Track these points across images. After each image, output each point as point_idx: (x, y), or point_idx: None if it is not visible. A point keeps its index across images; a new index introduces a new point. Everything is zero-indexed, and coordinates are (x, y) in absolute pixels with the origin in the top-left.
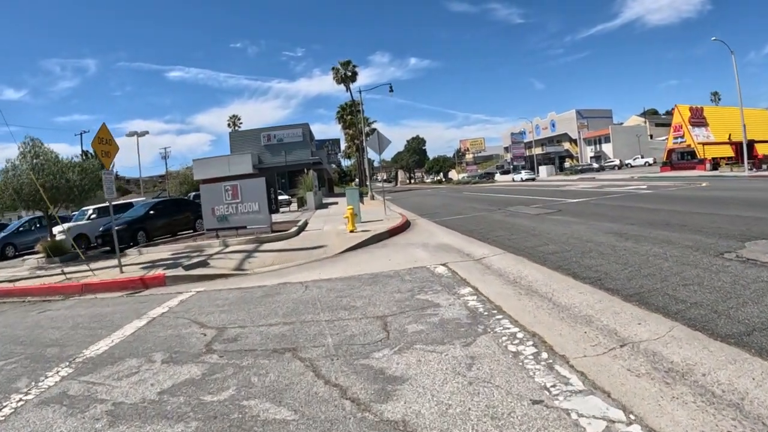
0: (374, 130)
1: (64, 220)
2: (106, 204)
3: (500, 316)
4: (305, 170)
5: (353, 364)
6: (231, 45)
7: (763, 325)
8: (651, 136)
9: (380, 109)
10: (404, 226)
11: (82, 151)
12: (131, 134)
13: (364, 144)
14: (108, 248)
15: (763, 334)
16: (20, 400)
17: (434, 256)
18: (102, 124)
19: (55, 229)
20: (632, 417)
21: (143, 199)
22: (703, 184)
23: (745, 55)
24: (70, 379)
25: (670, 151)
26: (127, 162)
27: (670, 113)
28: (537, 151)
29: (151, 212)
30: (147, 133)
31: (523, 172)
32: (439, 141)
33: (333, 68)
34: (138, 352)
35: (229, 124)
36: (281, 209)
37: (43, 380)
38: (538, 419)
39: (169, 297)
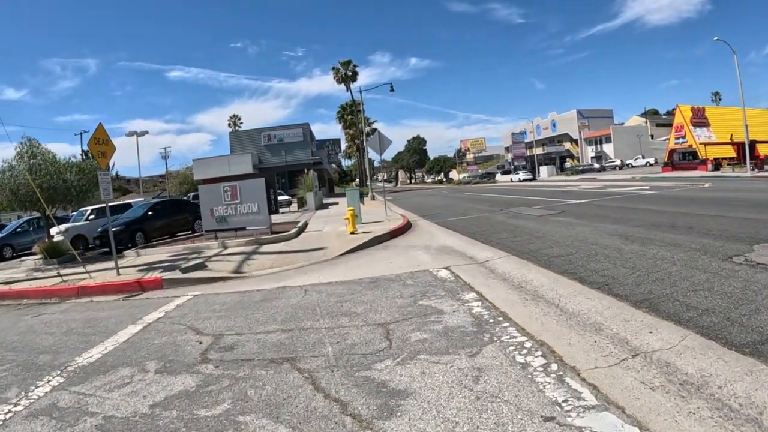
0: (375, 129)
1: (63, 220)
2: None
3: (506, 324)
4: (305, 170)
5: (354, 376)
6: (231, 45)
7: None
8: (652, 137)
9: (381, 108)
10: (405, 228)
11: (82, 151)
12: (131, 134)
13: (364, 144)
14: (106, 249)
15: None
16: (9, 411)
17: (437, 258)
18: (98, 124)
19: (53, 230)
20: None
21: (142, 199)
22: (706, 185)
23: (745, 56)
24: (60, 389)
25: (672, 152)
26: (127, 162)
27: (670, 113)
28: (538, 151)
29: (150, 213)
30: (147, 132)
31: (520, 172)
32: (440, 141)
33: (333, 68)
34: (131, 360)
35: (229, 124)
36: (281, 210)
37: (34, 390)
38: None
39: (165, 301)
